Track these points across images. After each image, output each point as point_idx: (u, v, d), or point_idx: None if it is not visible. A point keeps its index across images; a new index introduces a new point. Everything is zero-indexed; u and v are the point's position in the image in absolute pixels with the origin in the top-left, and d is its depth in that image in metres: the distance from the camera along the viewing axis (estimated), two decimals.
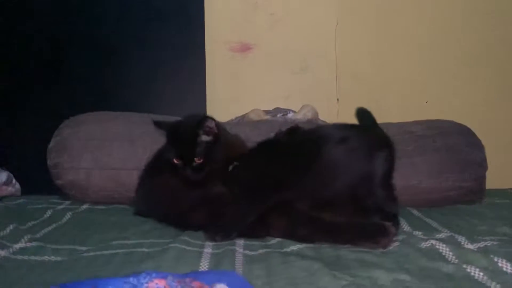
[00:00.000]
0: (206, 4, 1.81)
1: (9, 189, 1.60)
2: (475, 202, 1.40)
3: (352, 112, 1.29)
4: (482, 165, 1.42)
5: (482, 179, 1.42)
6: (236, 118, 1.69)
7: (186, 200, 1.17)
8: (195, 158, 1.16)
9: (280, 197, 1.07)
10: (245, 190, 1.11)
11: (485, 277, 0.77)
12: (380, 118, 1.31)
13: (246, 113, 1.67)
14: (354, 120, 1.28)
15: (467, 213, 1.26)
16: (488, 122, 1.80)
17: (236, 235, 1.05)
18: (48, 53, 1.81)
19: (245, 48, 1.89)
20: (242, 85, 1.92)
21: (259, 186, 1.11)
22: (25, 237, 1.02)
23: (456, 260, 0.86)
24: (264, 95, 1.91)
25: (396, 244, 0.97)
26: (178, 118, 1.34)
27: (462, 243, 0.96)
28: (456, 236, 1.00)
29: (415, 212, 1.30)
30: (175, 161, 1.18)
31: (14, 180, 1.63)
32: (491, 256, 0.84)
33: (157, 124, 1.25)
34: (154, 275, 0.57)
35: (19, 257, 0.92)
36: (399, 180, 1.16)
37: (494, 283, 0.74)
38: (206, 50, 1.83)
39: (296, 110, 1.69)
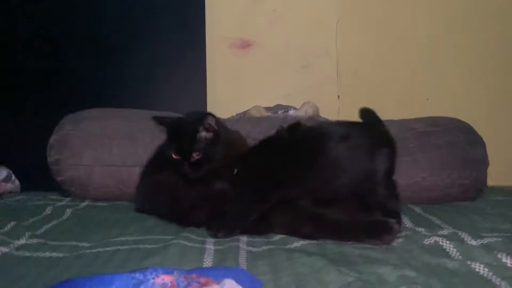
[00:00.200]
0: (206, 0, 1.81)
1: (9, 186, 1.59)
2: (476, 199, 1.40)
3: (353, 109, 1.29)
4: (483, 162, 1.42)
5: (483, 176, 1.42)
6: (237, 115, 1.68)
7: (188, 197, 1.16)
8: (193, 154, 1.16)
9: (283, 195, 1.07)
10: (248, 187, 1.11)
11: (490, 273, 0.76)
12: (381, 115, 1.30)
13: (247, 110, 1.66)
14: (355, 117, 1.27)
15: (468, 210, 1.26)
16: (488, 120, 1.80)
17: (239, 231, 1.05)
18: (48, 51, 1.80)
19: (245, 45, 1.88)
20: (242, 82, 1.91)
21: (261, 183, 1.11)
22: (26, 234, 1.01)
23: (460, 257, 0.85)
24: (264, 92, 1.90)
25: (399, 240, 0.97)
26: (179, 115, 1.34)
27: (465, 240, 0.95)
28: (459, 232, 0.99)
29: (416, 209, 1.30)
30: (173, 156, 1.18)
31: (13, 177, 1.62)
32: (495, 252, 0.84)
33: (157, 119, 1.25)
34: (160, 270, 0.56)
35: (21, 253, 0.91)
36: (401, 177, 1.15)
37: (499, 279, 0.74)
38: (206, 47, 1.82)
39: (297, 107, 1.69)
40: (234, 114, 1.72)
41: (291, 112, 1.63)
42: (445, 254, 0.87)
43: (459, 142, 1.43)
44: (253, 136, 1.41)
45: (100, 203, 1.41)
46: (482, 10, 1.90)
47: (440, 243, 0.92)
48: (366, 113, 1.24)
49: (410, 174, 1.35)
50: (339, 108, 1.90)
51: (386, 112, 1.45)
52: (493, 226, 1.08)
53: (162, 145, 1.31)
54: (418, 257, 0.86)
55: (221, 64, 1.88)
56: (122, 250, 0.94)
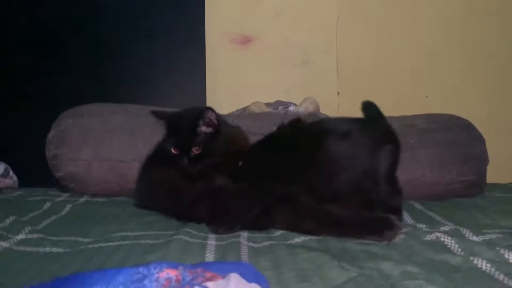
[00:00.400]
0: None
1: (7, 181, 1.58)
2: (476, 195, 1.40)
3: (353, 106, 1.28)
4: (483, 158, 1.42)
5: (483, 172, 1.42)
6: (237, 110, 1.68)
7: (188, 192, 1.15)
8: (193, 148, 1.15)
9: (284, 191, 1.06)
10: (249, 183, 1.10)
11: (493, 269, 0.76)
12: None
13: (247, 106, 1.66)
14: (354, 114, 1.27)
15: (469, 207, 1.26)
16: (488, 117, 1.80)
17: (240, 227, 1.04)
18: (46, 45, 1.78)
19: (246, 41, 1.88)
20: (242, 78, 1.90)
21: (262, 179, 1.11)
22: (26, 229, 1.00)
23: (462, 252, 0.86)
24: (264, 88, 1.89)
25: (400, 237, 0.97)
26: (178, 110, 1.33)
27: (467, 236, 0.95)
28: (460, 229, 0.99)
29: (417, 205, 1.30)
30: (172, 150, 1.17)
31: (11, 172, 1.61)
32: (497, 248, 0.84)
33: (156, 114, 1.24)
34: (165, 265, 0.56)
35: (21, 248, 0.91)
36: (401, 173, 1.15)
37: (502, 275, 0.74)
38: (206, 42, 1.81)
39: (297, 103, 1.69)
40: (233, 109, 1.71)
41: (291, 108, 1.63)
42: (447, 250, 0.88)
43: (459, 138, 1.44)
44: (254, 131, 1.40)
45: (99, 199, 1.40)
46: (482, 8, 1.90)
47: (442, 239, 0.92)
48: (368, 106, 1.23)
49: (410, 170, 1.35)
50: (339, 105, 1.89)
51: (386, 109, 1.44)
52: (494, 223, 1.08)
53: (161, 141, 1.31)
54: (420, 253, 0.86)
55: (221, 60, 1.87)
56: (124, 245, 0.93)
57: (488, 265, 0.78)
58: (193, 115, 1.20)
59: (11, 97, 1.77)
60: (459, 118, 1.53)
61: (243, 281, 0.53)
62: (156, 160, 1.28)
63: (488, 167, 1.45)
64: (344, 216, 1.01)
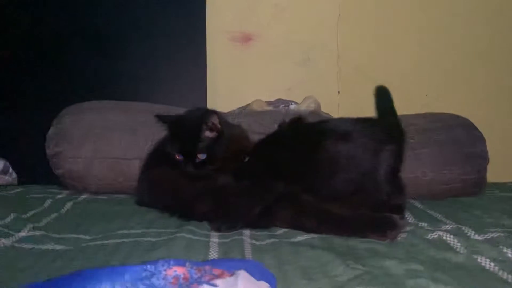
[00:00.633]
0: None
1: (6, 178, 1.58)
2: (476, 194, 1.41)
3: (353, 105, 1.28)
4: (484, 157, 1.43)
5: (484, 171, 1.43)
6: (238, 108, 1.67)
7: (190, 190, 1.15)
8: (198, 154, 1.15)
9: (286, 189, 1.06)
10: (251, 182, 1.10)
11: (496, 267, 0.77)
12: None
13: (248, 104, 1.65)
14: (355, 112, 1.27)
15: (470, 206, 1.27)
16: (488, 116, 1.81)
17: (242, 225, 1.04)
18: (47, 42, 1.77)
19: (246, 39, 1.87)
20: (243, 76, 1.90)
21: (264, 178, 1.11)
22: (27, 226, 1.00)
23: (465, 251, 0.86)
24: (265, 86, 1.89)
25: (403, 235, 0.97)
26: (181, 110, 1.32)
27: (469, 234, 0.95)
28: (463, 227, 0.99)
29: (418, 204, 1.31)
30: (177, 157, 1.16)
31: (11, 169, 1.60)
32: (500, 247, 0.84)
33: (159, 117, 1.24)
34: (172, 262, 0.55)
35: (24, 245, 0.90)
36: (402, 172, 1.15)
37: (505, 273, 0.74)
38: (207, 40, 1.80)
39: (298, 102, 1.68)
40: (234, 107, 1.71)
41: (292, 106, 1.63)
42: (450, 248, 0.88)
43: (460, 138, 1.44)
44: (255, 129, 1.40)
45: (100, 196, 1.40)
46: (483, 6, 1.90)
47: (444, 237, 0.92)
48: (382, 93, 1.21)
49: (411, 169, 1.35)
50: (339, 104, 1.89)
51: None
52: (496, 221, 1.08)
53: (163, 139, 1.30)
54: (424, 251, 0.86)
55: (222, 58, 1.86)
56: (126, 242, 0.93)
57: (492, 264, 0.78)
58: (196, 119, 1.19)
59: (11, 94, 1.76)
60: (459, 117, 1.54)
61: (252, 278, 0.53)
62: (158, 157, 1.28)
63: (488, 166, 1.45)
64: (347, 215, 1.01)
